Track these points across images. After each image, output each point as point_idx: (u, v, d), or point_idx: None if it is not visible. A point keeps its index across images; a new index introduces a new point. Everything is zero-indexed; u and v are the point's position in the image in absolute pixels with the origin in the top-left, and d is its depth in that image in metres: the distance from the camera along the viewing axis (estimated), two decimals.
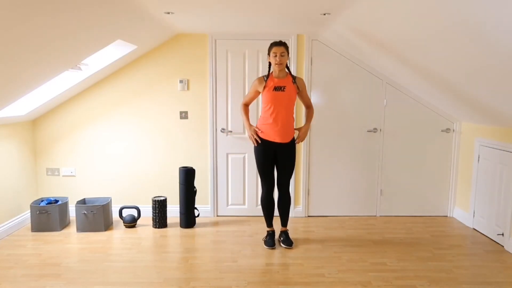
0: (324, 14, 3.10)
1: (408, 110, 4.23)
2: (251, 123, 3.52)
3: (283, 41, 3.30)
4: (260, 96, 3.46)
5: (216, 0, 2.69)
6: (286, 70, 3.37)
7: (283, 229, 3.55)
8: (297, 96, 3.41)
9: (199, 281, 2.83)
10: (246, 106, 3.54)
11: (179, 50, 4.10)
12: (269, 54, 3.30)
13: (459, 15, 2.07)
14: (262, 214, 3.72)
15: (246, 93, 4.15)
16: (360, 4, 2.68)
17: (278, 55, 3.24)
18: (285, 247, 3.45)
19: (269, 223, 3.57)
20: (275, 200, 3.69)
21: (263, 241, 3.57)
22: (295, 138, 3.45)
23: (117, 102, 4.16)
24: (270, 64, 3.36)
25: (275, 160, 3.44)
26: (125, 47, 3.60)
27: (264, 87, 3.32)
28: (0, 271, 2.96)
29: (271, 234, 3.54)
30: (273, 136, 3.34)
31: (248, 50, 4.12)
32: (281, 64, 3.25)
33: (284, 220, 3.54)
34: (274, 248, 3.44)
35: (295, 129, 3.46)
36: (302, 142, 4.16)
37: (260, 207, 4.23)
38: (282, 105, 3.30)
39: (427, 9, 2.22)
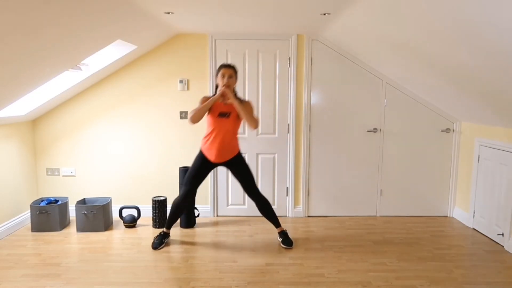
0: (324, 14, 3.10)
1: (408, 110, 4.23)
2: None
3: (233, 65, 3.29)
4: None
5: (216, 0, 2.70)
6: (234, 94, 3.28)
7: (280, 229, 3.54)
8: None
9: (199, 281, 2.83)
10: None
11: (179, 50, 4.10)
12: (217, 75, 3.27)
13: (458, 14, 2.07)
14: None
15: (246, 93, 4.16)
16: (360, 4, 2.68)
17: (226, 76, 3.20)
18: (285, 247, 3.44)
19: (169, 225, 3.50)
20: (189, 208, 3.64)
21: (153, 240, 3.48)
22: (239, 151, 3.38)
23: (117, 102, 4.16)
24: (217, 86, 3.31)
25: (206, 176, 3.38)
26: (125, 47, 3.60)
27: (209, 109, 3.25)
28: (0, 271, 2.96)
29: (162, 235, 3.48)
30: (212, 156, 3.28)
31: (248, 50, 4.12)
32: (228, 86, 3.21)
33: (275, 222, 3.51)
34: (157, 249, 3.37)
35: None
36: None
37: None
38: (225, 130, 3.24)
39: (427, 8, 2.23)
